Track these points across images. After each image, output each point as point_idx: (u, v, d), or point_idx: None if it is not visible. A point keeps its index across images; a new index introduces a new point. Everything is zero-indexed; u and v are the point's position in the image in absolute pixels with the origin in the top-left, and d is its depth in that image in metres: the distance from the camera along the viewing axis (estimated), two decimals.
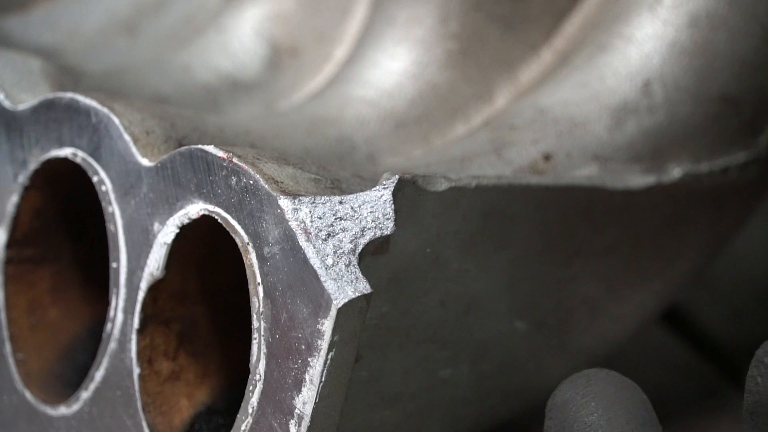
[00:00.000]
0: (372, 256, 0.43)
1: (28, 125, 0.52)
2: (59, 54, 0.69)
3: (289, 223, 0.42)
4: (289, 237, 0.42)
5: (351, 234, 0.42)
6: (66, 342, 0.55)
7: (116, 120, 0.48)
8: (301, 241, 0.42)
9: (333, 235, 0.42)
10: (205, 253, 0.48)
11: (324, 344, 0.41)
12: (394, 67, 0.59)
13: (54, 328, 0.55)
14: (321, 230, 0.42)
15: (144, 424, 0.47)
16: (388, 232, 0.43)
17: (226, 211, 0.44)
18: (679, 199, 0.56)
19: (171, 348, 0.49)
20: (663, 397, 0.41)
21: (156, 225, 0.47)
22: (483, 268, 0.50)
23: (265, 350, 0.43)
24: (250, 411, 0.43)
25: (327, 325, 0.41)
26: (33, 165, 0.52)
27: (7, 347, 0.53)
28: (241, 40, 0.65)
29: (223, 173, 0.44)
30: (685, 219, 0.57)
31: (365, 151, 0.56)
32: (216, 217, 0.44)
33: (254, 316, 0.43)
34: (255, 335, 0.43)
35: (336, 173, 0.47)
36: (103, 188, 0.49)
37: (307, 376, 0.41)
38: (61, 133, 0.51)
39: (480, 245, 0.49)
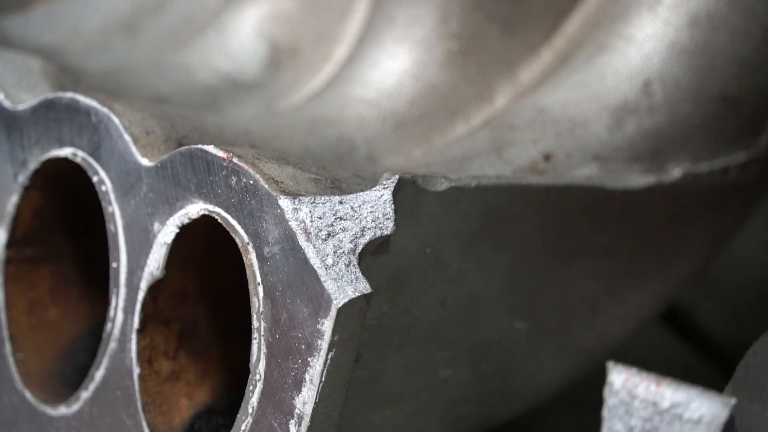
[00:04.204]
0: (372, 256, 0.43)
1: (28, 125, 0.52)
2: (59, 54, 0.69)
3: (289, 223, 0.42)
4: (289, 237, 0.42)
5: (351, 234, 0.42)
6: (66, 342, 0.55)
7: (116, 120, 0.48)
8: (301, 241, 0.42)
9: (333, 234, 0.42)
10: (205, 253, 0.48)
11: (324, 344, 0.41)
12: (394, 67, 0.59)
13: (54, 328, 0.55)
14: (321, 230, 0.42)
15: (144, 424, 0.47)
16: (388, 232, 0.43)
17: (226, 211, 0.44)
18: (679, 199, 0.56)
19: (171, 348, 0.49)
20: None
21: (156, 225, 0.47)
22: (483, 268, 0.50)
23: (265, 350, 0.43)
24: (250, 411, 0.43)
25: (327, 325, 0.41)
26: (33, 165, 0.52)
27: (7, 347, 0.53)
28: (241, 40, 0.65)
29: (223, 173, 0.44)
30: (685, 219, 0.57)
31: (365, 151, 0.56)
32: (216, 217, 0.44)
33: (254, 316, 0.43)
34: (255, 335, 0.43)
35: (336, 173, 0.47)
36: (103, 188, 0.49)
37: (307, 376, 0.41)
38: (61, 133, 0.51)
39: (480, 245, 0.49)
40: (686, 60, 0.55)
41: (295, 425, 0.42)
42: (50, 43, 0.71)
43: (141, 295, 0.47)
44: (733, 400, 0.38)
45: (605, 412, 0.39)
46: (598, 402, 0.40)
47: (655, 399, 0.38)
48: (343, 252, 0.42)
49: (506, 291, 0.52)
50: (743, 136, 0.56)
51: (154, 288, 0.47)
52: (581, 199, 0.53)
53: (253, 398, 0.43)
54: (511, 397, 0.57)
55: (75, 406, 0.50)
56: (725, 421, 0.38)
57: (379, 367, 0.48)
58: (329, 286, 0.41)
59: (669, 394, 0.38)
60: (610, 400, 0.39)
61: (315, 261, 0.41)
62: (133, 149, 0.48)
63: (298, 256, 0.42)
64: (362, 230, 0.43)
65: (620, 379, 0.39)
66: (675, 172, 0.55)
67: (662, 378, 0.39)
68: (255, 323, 0.43)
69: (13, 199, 0.53)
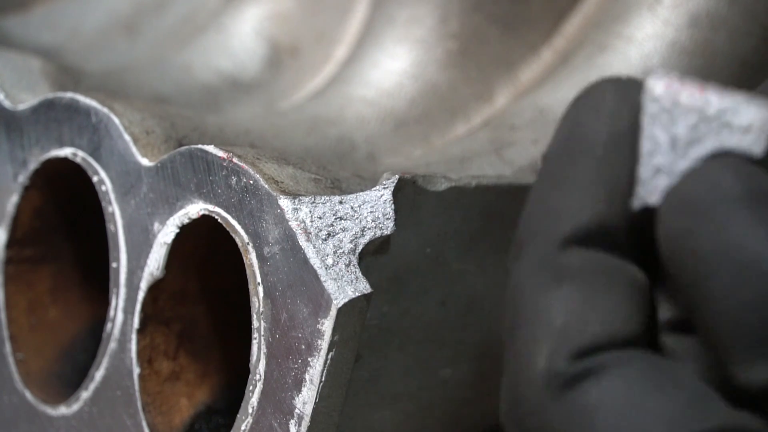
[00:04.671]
0: (372, 255, 0.43)
1: (28, 125, 0.52)
2: (59, 54, 0.69)
3: (289, 222, 0.42)
4: (289, 237, 0.42)
5: (351, 234, 0.42)
6: (66, 342, 0.55)
7: (116, 120, 0.48)
8: (301, 241, 0.42)
9: (333, 234, 0.42)
10: (205, 253, 0.48)
11: (324, 344, 0.41)
12: (394, 67, 0.59)
13: (54, 328, 0.55)
14: (321, 230, 0.42)
15: (144, 424, 0.47)
16: (388, 232, 0.43)
17: (226, 211, 0.44)
18: None
19: (171, 348, 0.49)
20: None
21: (156, 225, 0.47)
22: (483, 268, 0.50)
23: (265, 350, 0.43)
24: (250, 411, 0.43)
25: (327, 325, 0.41)
26: (33, 165, 0.52)
27: (7, 347, 0.53)
28: (241, 39, 0.65)
29: (223, 173, 0.44)
30: None
31: (365, 151, 0.56)
32: (216, 217, 0.44)
33: (254, 316, 0.43)
34: (255, 335, 0.43)
35: (336, 173, 0.47)
36: (103, 188, 0.49)
37: (307, 376, 0.41)
38: (61, 133, 0.51)
39: (480, 245, 0.49)
40: (686, 60, 0.55)
41: (295, 425, 0.42)
42: (50, 43, 0.71)
43: (141, 295, 0.47)
44: None
45: (644, 121, 0.35)
46: None
47: (700, 105, 0.35)
48: (343, 252, 0.42)
49: None
50: None
51: (154, 288, 0.47)
52: None
53: (253, 398, 0.43)
54: None
55: (75, 406, 0.50)
56: None
57: (379, 367, 0.48)
58: (329, 286, 0.41)
59: (715, 99, 0.35)
60: (649, 108, 0.35)
61: (315, 261, 0.41)
62: (133, 149, 0.48)
63: (298, 256, 0.42)
64: (362, 230, 0.43)
65: (660, 85, 0.35)
66: None
67: (706, 83, 0.35)
68: (255, 323, 0.43)
69: (13, 199, 0.53)
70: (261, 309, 0.43)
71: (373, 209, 0.43)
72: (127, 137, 0.48)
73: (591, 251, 0.34)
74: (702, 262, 0.32)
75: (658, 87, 0.35)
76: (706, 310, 0.32)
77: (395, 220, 0.43)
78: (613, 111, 0.35)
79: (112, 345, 0.48)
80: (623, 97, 0.35)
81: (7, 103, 0.53)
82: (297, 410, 0.42)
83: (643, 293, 0.34)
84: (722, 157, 0.34)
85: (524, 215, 0.36)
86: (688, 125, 0.35)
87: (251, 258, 0.43)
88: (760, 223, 0.32)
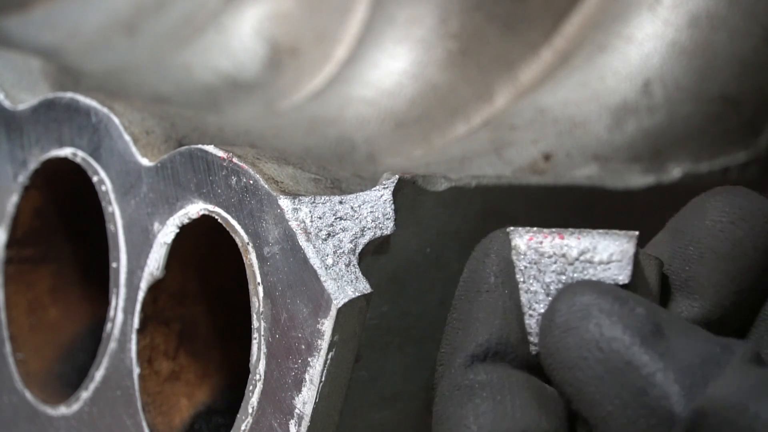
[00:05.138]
0: (372, 255, 0.43)
1: (28, 125, 0.52)
2: (59, 54, 0.69)
3: (289, 222, 0.42)
4: (289, 237, 0.42)
5: (351, 234, 0.42)
6: (66, 342, 0.55)
7: (116, 120, 0.48)
8: (301, 241, 0.42)
9: (333, 234, 0.42)
10: (205, 253, 0.48)
11: (324, 344, 0.41)
12: (394, 67, 0.59)
13: (54, 328, 0.55)
14: (321, 230, 0.42)
15: (144, 423, 0.47)
16: (388, 232, 0.43)
17: (226, 211, 0.44)
18: (679, 199, 0.56)
19: (171, 348, 0.49)
20: None
21: (156, 225, 0.47)
22: None
23: (265, 350, 0.43)
24: (250, 411, 0.43)
25: (327, 325, 0.41)
26: (33, 165, 0.52)
27: (7, 347, 0.53)
28: (241, 39, 0.65)
29: (223, 173, 0.44)
30: None
31: (365, 151, 0.56)
32: (216, 217, 0.44)
33: (254, 316, 0.43)
34: (255, 335, 0.43)
35: (336, 173, 0.47)
36: (103, 188, 0.49)
37: (307, 376, 0.41)
38: (61, 133, 0.51)
39: None
40: (686, 60, 0.55)
41: (295, 425, 0.42)
42: (50, 43, 0.71)
43: (141, 295, 0.47)
44: (636, 233, 0.38)
45: (518, 277, 0.39)
46: None
47: (563, 251, 0.38)
48: (343, 252, 0.42)
49: None
50: (743, 136, 0.56)
51: (154, 288, 0.47)
52: (581, 199, 0.53)
53: (253, 398, 0.43)
54: None
55: (75, 406, 0.50)
56: (634, 253, 0.38)
57: (379, 367, 0.48)
58: (329, 286, 0.41)
59: (575, 242, 0.38)
60: (519, 264, 0.39)
61: (315, 261, 0.41)
62: (133, 149, 0.48)
63: (298, 256, 0.42)
64: (362, 230, 0.43)
65: (524, 240, 0.39)
66: (675, 172, 0.55)
67: (563, 230, 0.39)
68: (255, 323, 0.43)
69: (13, 199, 0.53)
70: (261, 309, 0.43)
71: (373, 209, 0.43)
72: (127, 137, 0.48)
73: (496, 365, 0.38)
74: (572, 371, 0.36)
75: (521, 243, 0.39)
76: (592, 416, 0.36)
77: (395, 220, 0.43)
78: (499, 254, 0.40)
79: (112, 345, 0.48)
80: (506, 242, 0.40)
81: (7, 103, 0.53)
82: (297, 410, 0.42)
83: (551, 400, 0.37)
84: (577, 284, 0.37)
85: (440, 345, 0.41)
86: (555, 272, 0.39)
87: (251, 258, 0.43)
88: (612, 324, 0.36)
